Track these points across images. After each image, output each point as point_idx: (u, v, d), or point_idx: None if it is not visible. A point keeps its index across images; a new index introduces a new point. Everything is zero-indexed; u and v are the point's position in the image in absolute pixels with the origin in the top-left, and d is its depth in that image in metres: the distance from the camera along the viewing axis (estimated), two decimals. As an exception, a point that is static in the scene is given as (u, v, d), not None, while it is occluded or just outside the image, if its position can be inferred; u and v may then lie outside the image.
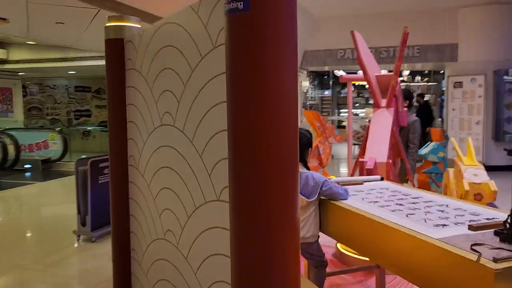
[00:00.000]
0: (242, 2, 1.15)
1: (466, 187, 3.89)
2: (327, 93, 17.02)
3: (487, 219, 2.10)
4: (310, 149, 2.74)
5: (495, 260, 1.55)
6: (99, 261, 4.33)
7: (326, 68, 12.67)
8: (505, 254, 1.62)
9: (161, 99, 1.94)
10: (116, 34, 2.41)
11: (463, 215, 2.18)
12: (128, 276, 2.47)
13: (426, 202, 2.45)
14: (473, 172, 4.07)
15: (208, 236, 1.58)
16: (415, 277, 1.85)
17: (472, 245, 1.72)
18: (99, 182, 5.05)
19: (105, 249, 4.69)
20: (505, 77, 9.24)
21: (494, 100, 9.39)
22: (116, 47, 2.41)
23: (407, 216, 2.18)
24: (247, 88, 1.16)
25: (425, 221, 2.08)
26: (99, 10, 4.53)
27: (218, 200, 1.49)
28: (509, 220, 1.79)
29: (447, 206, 2.37)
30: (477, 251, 1.65)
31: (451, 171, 4.61)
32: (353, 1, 8.99)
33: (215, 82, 1.48)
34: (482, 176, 4.03)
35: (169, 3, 5.93)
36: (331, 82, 16.58)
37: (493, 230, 1.89)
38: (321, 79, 16.94)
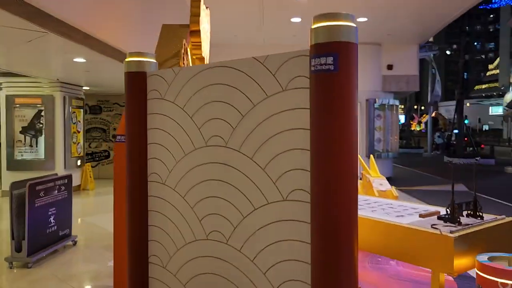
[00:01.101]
0: (332, 65, 1.79)
1: (376, 194, 4.92)
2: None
3: (424, 210, 3.00)
4: None
5: (451, 232, 2.40)
6: (38, 286, 4.35)
7: None
8: (453, 228, 2.50)
9: (206, 125, 2.42)
10: (138, 68, 2.79)
11: (407, 209, 3.06)
12: (146, 280, 2.79)
13: (375, 202, 3.29)
14: (379, 182, 5.18)
15: (270, 232, 2.12)
16: (392, 252, 2.62)
17: (432, 225, 2.57)
18: (36, 205, 4.98)
19: (42, 273, 4.71)
20: (375, 104, 11.18)
21: (367, 124, 11.24)
22: (138, 80, 2.79)
23: (372, 211, 2.97)
24: (331, 131, 1.79)
25: (388, 214, 2.89)
26: (47, 33, 4.54)
27: (284, 200, 2.06)
28: (448, 210, 2.69)
29: (391, 204, 3.23)
30: (437, 228, 2.50)
31: (359, 182, 5.71)
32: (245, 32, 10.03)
33: (278, 117, 2.06)
34: (386, 185, 5.16)
35: (117, 30, 6.15)
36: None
37: (435, 216, 2.78)
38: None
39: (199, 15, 4.53)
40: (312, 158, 1.91)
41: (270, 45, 11.18)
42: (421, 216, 2.80)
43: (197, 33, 4.53)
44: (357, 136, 1.87)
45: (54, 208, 5.36)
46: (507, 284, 2.11)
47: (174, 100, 2.62)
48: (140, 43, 7.15)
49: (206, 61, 4.91)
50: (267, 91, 2.13)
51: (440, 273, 2.45)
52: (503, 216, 2.83)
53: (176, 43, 4.30)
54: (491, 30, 68.98)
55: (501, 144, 35.78)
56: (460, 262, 2.42)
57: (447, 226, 2.54)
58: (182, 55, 4.09)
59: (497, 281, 2.14)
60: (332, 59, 1.80)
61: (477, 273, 2.33)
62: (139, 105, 2.80)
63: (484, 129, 51.50)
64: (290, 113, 2.03)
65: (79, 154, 11.48)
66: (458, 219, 2.59)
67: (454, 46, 62.82)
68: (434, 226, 2.54)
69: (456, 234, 2.39)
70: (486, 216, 2.72)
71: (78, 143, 11.54)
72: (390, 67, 11.45)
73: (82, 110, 11.99)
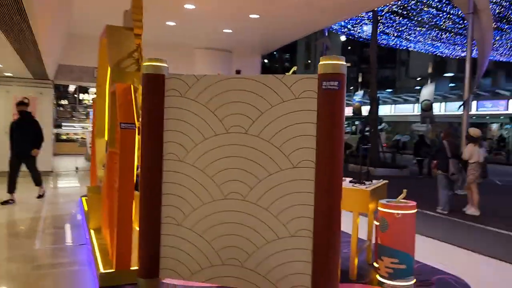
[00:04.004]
0: (338, 84, 3.10)
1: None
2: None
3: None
4: None
5: (366, 187, 3.98)
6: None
7: (82, 84, 13.12)
8: (365, 186, 4.09)
9: (227, 118, 3.42)
10: (156, 71, 3.56)
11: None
12: (158, 236, 3.58)
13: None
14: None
15: (282, 188, 3.29)
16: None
17: (352, 185, 4.11)
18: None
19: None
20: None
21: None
22: (156, 80, 3.56)
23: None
24: (329, 128, 3.10)
25: (318, 182, 4.33)
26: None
27: (294, 167, 3.27)
28: (359, 178, 4.26)
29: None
30: (357, 187, 4.05)
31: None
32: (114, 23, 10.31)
33: (292, 115, 3.27)
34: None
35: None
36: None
37: (349, 180, 4.35)
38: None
39: (141, 20, 5.20)
40: (318, 140, 3.17)
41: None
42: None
43: (139, 36, 5.20)
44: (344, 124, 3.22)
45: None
46: (399, 213, 3.76)
47: (195, 98, 3.52)
48: None
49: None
50: (283, 98, 3.30)
51: (358, 212, 4.05)
52: (382, 180, 4.64)
53: (127, 44, 4.92)
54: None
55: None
56: (371, 205, 4.06)
57: (360, 185, 4.13)
58: (139, 55, 4.76)
59: (394, 212, 3.78)
60: (337, 83, 3.10)
61: (380, 210, 3.95)
62: (157, 100, 3.58)
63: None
64: (301, 113, 3.25)
65: None
66: (363, 182, 4.22)
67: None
68: (354, 185, 4.09)
69: (369, 188, 3.99)
70: (374, 181, 4.45)
71: None
72: (238, 72, 13.21)
73: None
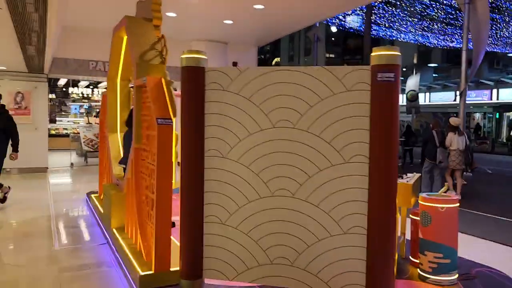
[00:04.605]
0: (393, 76, 3.00)
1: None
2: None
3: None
4: None
5: (407, 181, 3.91)
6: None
7: (76, 77, 12.75)
8: (405, 180, 4.02)
9: (274, 112, 3.29)
10: (197, 63, 3.40)
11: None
12: (201, 236, 3.45)
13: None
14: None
15: (333, 185, 3.19)
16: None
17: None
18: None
19: None
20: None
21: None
22: (196, 73, 3.40)
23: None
24: (385, 119, 3.00)
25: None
26: None
27: (346, 162, 3.16)
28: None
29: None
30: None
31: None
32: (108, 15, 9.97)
33: (343, 108, 3.15)
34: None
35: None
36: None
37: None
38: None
39: (160, 11, 5.01)
40: (372, 134, 3.07)
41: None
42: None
43: (158, 28, 5.00)
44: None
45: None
46: (443, 207, 3.70)
47: (239, 92, 3.37)
48: None
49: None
50: (334, 90, 3.18)
51: (403, 207, 3.96)
52: (416, 174, 4.59)
53: (148, 36, 4.73)
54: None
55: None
56: (412, 199, 3.99)
57: (401, 179, 4.07)
58: (162, 47, 4.57)
59: (438, 206, 3.72)
60: (393, 75, 3.00)
61: (421, 204, 3.89)
62: (197, 94, 3.43)
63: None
64: (353, 106, 3.14)
65: None
66: (402, 176, 4.16)
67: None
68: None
69: (411, 182, 3.92)
70: (410, 175, 4.40)
71: None
72: (235, 64, 13.00)
73: None
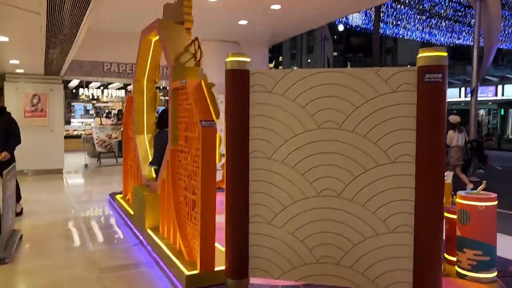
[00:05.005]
0: (441, 76, 3.04)
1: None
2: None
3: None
4: None
5: (446, 179, 3.96)
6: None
7: (90, 79, 12.82)
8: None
9: (319, 113, 3.34)
10: (241, 66, 3.46)
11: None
12: (247, 235, 3.50)
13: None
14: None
15: (380, 184, 3.24)
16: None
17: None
18: (8, 195, 4.69)
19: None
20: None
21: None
22: (241, 76, 3.46)
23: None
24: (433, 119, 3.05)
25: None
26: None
27: (393, 162, 3.21)
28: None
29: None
30: (434, 179, 4.03)
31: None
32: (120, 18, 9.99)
33: (389, 109, 3.20)
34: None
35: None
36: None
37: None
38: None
39: (191, 14, 5.06)
40: (419, 134, 3.12)
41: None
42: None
43: (189, 31, 5.06)
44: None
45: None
46: (482, 205, 3.75)
47: (283, 93, 3.42)
48: None
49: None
50: (379, 91, 3.23)
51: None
52: (449, 171, 4.67)
53: (181, 39, 4.78)
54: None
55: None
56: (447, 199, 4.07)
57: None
58: (196, 50, 4.62)
59: (477, 204, 3.77)
60: (441, 75, 3.05)
61: (459, 202, 3.94)
62: (242, 97, 3.48)
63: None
64: (399, 106, 3.19)
65: None
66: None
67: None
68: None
69: (448, 181, 3.98)
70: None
71: None
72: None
73: None
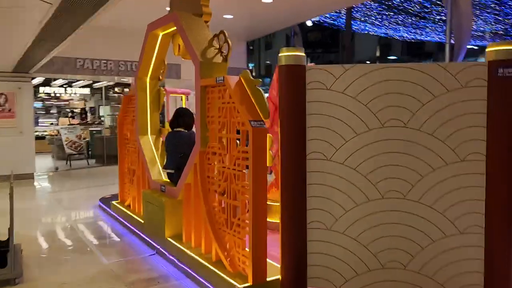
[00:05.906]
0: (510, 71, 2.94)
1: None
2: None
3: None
4: None
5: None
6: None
7: (69, 76, 11.99)
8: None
9: (382, 111, 3.15)
10: (297, 61, 3.21)
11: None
12: (305, 243, 3.27)
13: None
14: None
15: (448, 184, 3.11)
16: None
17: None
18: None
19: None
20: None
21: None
22: (297, 72, 3.21)
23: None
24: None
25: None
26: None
27: (462, 161, 3.09)
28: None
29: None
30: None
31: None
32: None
33: (458, 105, 3.07)
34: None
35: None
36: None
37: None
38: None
39: (208, 6, 4.73)
40: (489, 131, 3.01)
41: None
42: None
43: (207, 23, 4.73)
44: None
45: None
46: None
47: (343, 91, 3.20)
48: None
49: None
50: (448, 87, 3.08)
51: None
52: None
53: (203, 32, 4.45)
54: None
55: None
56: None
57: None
58: (221, 45, 4.30)
59: None
60: (515, 70, 2.95)
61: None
62: (298, 94, 3.24)
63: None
64: (469, 102, 3.06)
65: None
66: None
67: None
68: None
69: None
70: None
71: None
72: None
73: None
